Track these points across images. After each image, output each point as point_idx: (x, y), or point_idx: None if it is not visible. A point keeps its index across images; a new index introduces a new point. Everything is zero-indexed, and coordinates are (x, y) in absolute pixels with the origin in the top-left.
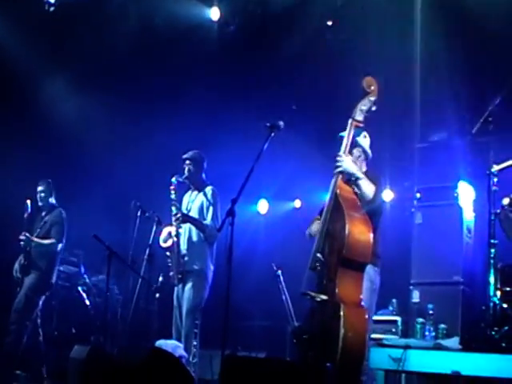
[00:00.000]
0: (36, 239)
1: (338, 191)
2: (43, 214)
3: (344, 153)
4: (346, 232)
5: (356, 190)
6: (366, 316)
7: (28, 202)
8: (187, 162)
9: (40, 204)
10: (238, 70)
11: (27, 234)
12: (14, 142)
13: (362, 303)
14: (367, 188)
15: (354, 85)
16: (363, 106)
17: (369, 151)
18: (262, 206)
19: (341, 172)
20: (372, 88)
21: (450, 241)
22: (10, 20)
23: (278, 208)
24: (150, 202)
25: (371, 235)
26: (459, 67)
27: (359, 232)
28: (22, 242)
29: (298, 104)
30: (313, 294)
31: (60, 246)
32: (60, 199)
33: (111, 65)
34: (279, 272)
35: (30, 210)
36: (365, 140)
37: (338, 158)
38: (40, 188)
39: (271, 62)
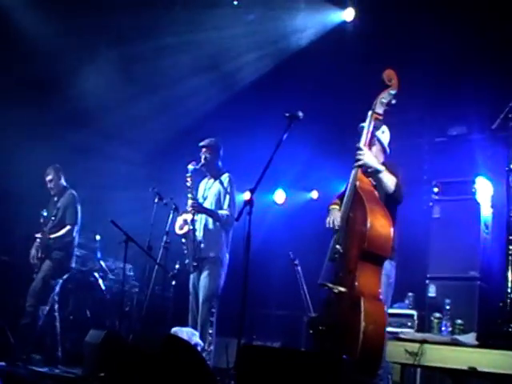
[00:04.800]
0: (52, 235)
1: (357, 183)
2: (55, 199)
3: (364, 145)
4: (368, 225)
5: (373, 182)
6: (385, 309)
7: (44, 210)
8: (204, 149)
9: (52, 192)
10: None
11: (45, 229)
12: (30, 125)
13: (381, 297)
14: (388, 180)
15: (374, 75)
16: (383, 98)
17: (387, 146)
18: (279, 196)
19: (361, 166)
20: (392, 81)
21: (468, 236)
22: None
23: (295, 198)
24: (168, 189)
25: (392, 229)
26: (482, 61)
27: (381, 225)
28: (38, 240)
29: (318, 94)
30: (331, 285)
31: (76, 228)
32: (78, 184)
33: (128, 46)
34: (297, 261)
35: (45, 215)
36: (384, 135)
37: (359, 152)
38: (49, 177)
39: (291, 51)
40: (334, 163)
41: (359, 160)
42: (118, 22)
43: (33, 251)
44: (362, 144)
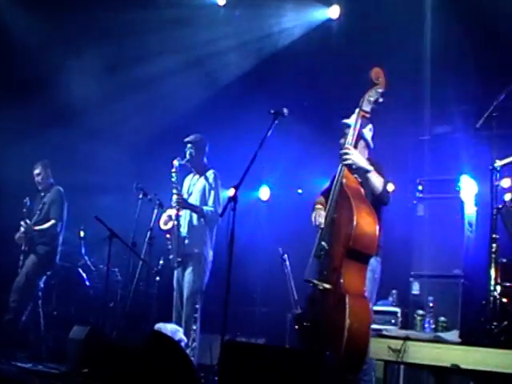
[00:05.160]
0: (37, 227)
1: (344, 181)
2: (42, 194)
3: (351, 144)
4: (354, 223)
5: (359, 179)
6: (370, 307)
7: (27, 199)
8: (189, 145)
9: (39, 187)
10: None
11: (28, 222)
12: (15, 123)
13: (366, 294)
14: (376, 180)
15: (359, 73)
16: (370, 96)
17: (371, 143)
18: (264, 193)
19: (348, 165)
20: (380, 79)
21: (452, 234)
22: None
23: (280, 195)
24: (152, 185)
25: (378, 227)
26: (466, 60)
27: (366, 224)
28: (22, 228)
29: (303, 91)
30: (316, 281)
31: (60, 224)
32: (62, 179)
33: (114, 44)
34: (285, 256)
35: (28, 204)
36: (369, 133)
37: (347, 151)
38: (36, 171)
39: (278, 48)
40: (319, 160)
41: (347, 160)
42: (101, 21)
43: (17, 234)
44: (348, 141)
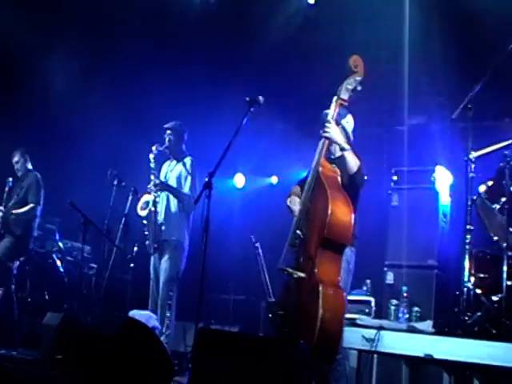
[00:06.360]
0: (15, 211)
1: (320, 169)
2: (21, 180)
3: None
4: (329, 212)
5: (337, 169)
6: (344, 297)
7: (10, 179)
8: (168, 131)
9: (19, 174)
10: (220, 44)
11: (3, 208)
12: None
13: (340, 284)
14: (352, 160)
15: (335, 63)
16: (349, 84)
17: (351, 135)
18: (239, 180)
19: (327, 138)
20: (358, 67)
21: (426, 224)
22: None
23: (255, 182)
24: (127, 171)
25: (353, 217)
26: (443, 52)
27: (342, 213)
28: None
29: (278, 80)
30: (290, 270)
31: (39, 208)
32: (37, 166)
33: (91, 33)
34: (258, 244)
35: (11, 184)
36: (348, 124)
37: (327, 124)
38: (15, 159)
39: (253, 37)
40: (295, 149)
41: (326, 132)
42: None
43: None
44: (329, 118)
